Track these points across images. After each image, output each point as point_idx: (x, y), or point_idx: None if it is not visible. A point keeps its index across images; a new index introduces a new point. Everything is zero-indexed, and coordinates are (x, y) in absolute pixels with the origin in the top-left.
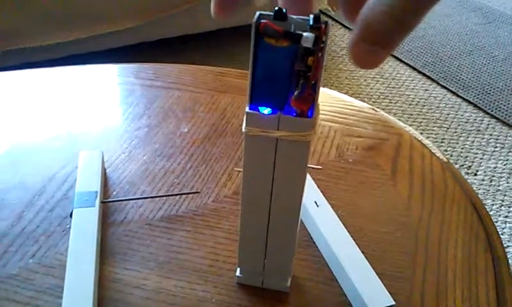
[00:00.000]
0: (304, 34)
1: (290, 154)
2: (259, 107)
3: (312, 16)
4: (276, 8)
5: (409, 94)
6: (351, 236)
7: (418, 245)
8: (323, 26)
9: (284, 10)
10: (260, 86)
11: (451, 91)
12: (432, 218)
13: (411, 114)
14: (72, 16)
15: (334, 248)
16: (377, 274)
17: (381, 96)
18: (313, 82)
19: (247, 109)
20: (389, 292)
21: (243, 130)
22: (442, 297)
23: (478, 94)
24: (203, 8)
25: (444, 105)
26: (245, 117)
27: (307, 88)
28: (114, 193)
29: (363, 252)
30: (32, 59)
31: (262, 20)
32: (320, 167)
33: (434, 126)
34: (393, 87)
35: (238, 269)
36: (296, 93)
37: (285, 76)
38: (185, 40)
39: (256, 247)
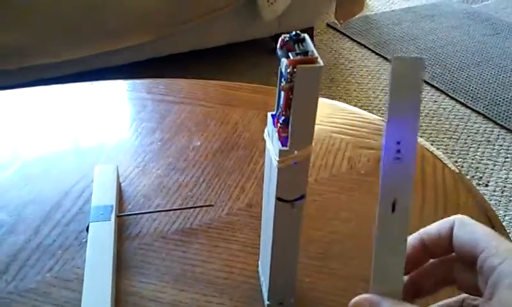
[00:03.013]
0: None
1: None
2: None
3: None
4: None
5: None
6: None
7: None
8: (295, 58)
9: (298, 33)
10: None
11: (460, 102)
12: None
13: (421, 126)
14: (84, 34)
15: None
16: None
17: None
18: (283, 117)
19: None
20: None
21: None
22: None
23: (487, 105)
24: (211, 24)
25: (453, 116)
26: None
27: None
28: (130, 207)
29: None
30: (42, 76)
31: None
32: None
33: (444, 138)
34: None
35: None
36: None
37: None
38: (193, 56)
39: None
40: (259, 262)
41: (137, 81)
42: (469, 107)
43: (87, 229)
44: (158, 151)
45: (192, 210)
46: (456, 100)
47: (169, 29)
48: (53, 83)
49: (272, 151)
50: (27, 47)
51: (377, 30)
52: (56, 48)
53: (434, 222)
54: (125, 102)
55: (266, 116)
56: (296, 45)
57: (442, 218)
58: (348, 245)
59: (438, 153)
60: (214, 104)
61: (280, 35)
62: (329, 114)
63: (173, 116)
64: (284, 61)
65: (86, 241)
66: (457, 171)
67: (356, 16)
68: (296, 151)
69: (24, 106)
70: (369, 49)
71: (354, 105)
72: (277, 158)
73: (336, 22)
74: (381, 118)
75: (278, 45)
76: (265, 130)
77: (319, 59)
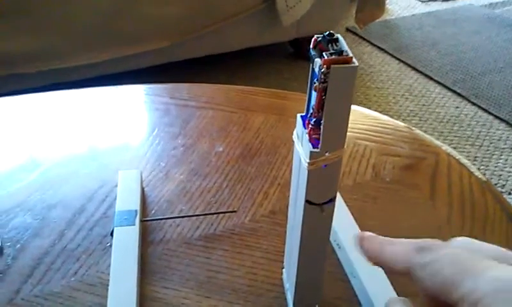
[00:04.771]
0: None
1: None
2: None
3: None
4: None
5: (440, 112)
6: None
7: None
8: (330, 57)
9: (332, 33)
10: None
11: (482, 108)
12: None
13: (442, 132)
14: (102, 39)
15: (364, 283)
16: None
17: (411, 114)
18: (314, 118)
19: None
20: None
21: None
22: None
23: (510, 112)
24: (230, 29)
25: (476, 122)
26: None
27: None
28: (153, 212)
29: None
30: (61, 79)
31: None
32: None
33: (466, 144)
34: (423, 105)
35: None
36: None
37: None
38: (210, 60)
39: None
40: (283, 269)
41: (160, 85)
42: (491, 114)
43: (111, 234)
44: (181, 156)
45: (215, 215)
46: (478, 106)
47: (187, 35)
48: (71, 86)
49: (302, 153)
50: (47, 51)
51: (398, 35)
52: (75, 53)
53: (462, 230)
54: (147, 106)
55: (287, 121)
56: (330, 45)
57: (470, 227)
58: None
59: (465, 160)
60: (235, 109)
61: (298, 40)
62: (353, 120)
63: (195, 121)
64: (318, 60)
65: (110, 245)
66: (484, 179)
67: (376, 20)
68: (327, 153)
69: (46, 110)
70: (389, 54)
71: (374, 111)
72: (307, 160)
73: (356, 26)
74: (406, 125)
75: (311, 45)
76: (294, 132)
77: (354, 59)
